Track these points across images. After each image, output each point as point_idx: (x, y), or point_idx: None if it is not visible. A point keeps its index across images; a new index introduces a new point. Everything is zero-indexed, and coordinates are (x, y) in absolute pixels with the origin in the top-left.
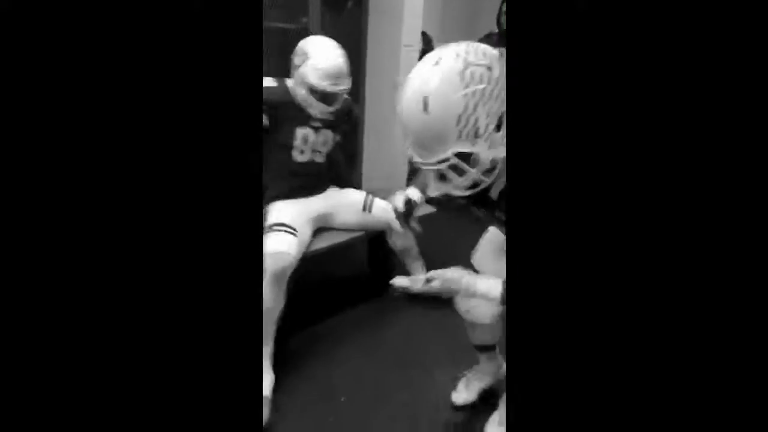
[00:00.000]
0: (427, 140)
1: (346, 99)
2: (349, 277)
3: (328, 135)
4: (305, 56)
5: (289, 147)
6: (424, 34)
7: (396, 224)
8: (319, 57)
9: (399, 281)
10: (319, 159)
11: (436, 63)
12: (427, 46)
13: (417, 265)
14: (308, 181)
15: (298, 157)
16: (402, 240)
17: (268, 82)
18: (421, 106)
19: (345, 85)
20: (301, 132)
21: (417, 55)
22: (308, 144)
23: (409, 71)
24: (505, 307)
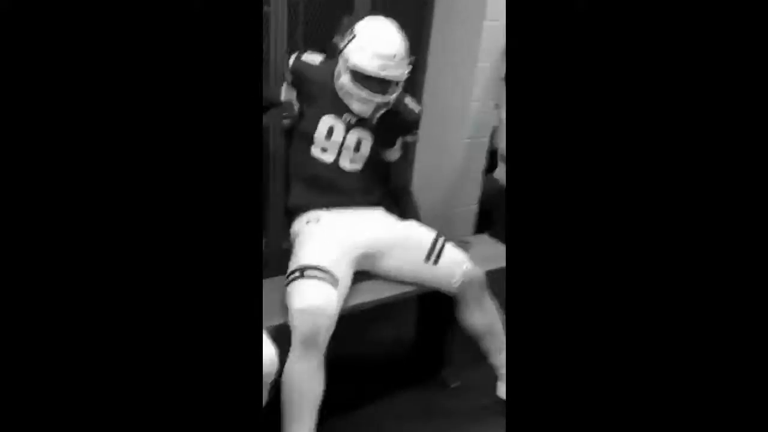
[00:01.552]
0: None
1: (404, 104)
2: (389, 348)
3: (364, 137)
4: (351, 35)
5: (309, 138)
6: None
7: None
8: (368, 35)
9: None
10: (348, 166)
11: None
12: None
13: (497, 344)
14: (332, 191)
15: (320, 154)
16: (481, 316)
17: (313, 58)
18: None
19: (398, 71)
20: (326, 121)
21: (503, 32)
22: (332, 139)
23: (491, 53)
24: None
